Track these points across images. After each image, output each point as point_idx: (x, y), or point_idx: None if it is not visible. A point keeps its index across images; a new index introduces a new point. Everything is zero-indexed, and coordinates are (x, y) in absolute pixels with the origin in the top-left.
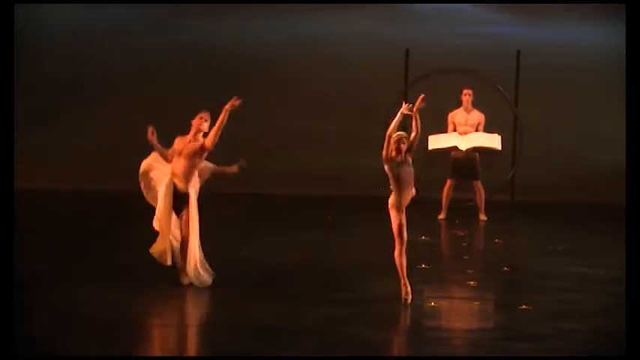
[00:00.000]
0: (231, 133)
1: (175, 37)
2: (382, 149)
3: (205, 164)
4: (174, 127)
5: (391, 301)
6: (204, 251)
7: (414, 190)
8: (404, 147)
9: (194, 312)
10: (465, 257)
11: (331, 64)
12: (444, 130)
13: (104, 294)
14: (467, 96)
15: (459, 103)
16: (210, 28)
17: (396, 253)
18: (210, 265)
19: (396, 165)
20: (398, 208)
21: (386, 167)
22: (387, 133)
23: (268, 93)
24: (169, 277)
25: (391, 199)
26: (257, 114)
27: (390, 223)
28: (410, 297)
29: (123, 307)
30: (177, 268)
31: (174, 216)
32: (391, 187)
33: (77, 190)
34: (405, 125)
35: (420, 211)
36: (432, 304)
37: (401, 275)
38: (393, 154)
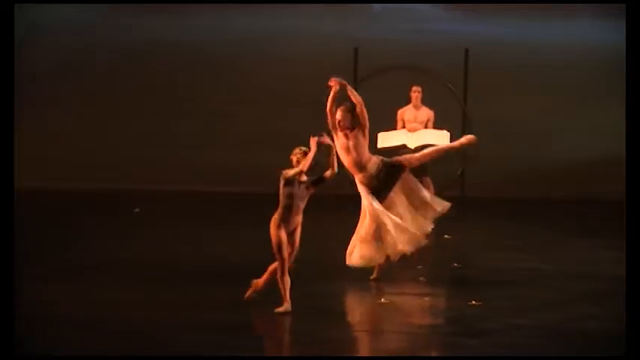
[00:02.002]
0: (181, 132)
1: (125, 36)
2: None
3: None
4: (126, 126)
5: (342, 296)
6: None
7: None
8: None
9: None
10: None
11: (280, 62)
12: (394, 128)
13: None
14: (416, 93)
15: (408, 100)
16: (157, 26)
17: (279, 273)
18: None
19: (291, 182)
20: (279, 226)
21: (281, 181)
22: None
23: (217, 92)
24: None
25: (276, 216)
26: (206, 112)
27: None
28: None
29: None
30: None
31: None
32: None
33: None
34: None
35: None
36: (383, 300)
37: (284, 295)
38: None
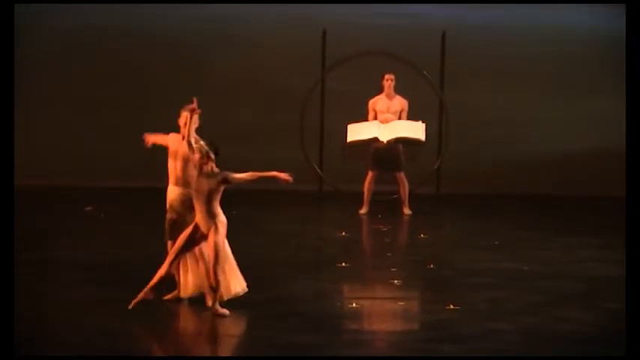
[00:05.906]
0: (140, 120)
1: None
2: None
3: None
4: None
5: (309, 301)
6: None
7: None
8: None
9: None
10: (389, 254)
11: (245, 46)
12: (365, 119)
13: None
14: (389, 81)
15: (380, 89)
16: (119, 9)
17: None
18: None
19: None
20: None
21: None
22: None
23: (180, 78)
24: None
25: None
26: (168, 100)
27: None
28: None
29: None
30: None
31: None
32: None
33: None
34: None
35: (340, 206)
36: (354, 304)
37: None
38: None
